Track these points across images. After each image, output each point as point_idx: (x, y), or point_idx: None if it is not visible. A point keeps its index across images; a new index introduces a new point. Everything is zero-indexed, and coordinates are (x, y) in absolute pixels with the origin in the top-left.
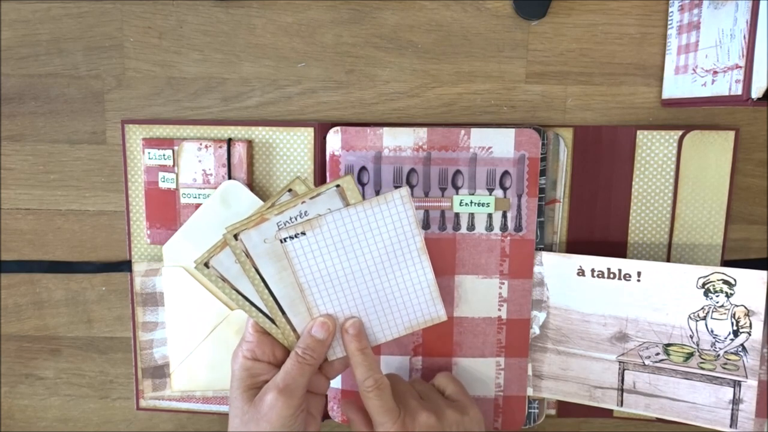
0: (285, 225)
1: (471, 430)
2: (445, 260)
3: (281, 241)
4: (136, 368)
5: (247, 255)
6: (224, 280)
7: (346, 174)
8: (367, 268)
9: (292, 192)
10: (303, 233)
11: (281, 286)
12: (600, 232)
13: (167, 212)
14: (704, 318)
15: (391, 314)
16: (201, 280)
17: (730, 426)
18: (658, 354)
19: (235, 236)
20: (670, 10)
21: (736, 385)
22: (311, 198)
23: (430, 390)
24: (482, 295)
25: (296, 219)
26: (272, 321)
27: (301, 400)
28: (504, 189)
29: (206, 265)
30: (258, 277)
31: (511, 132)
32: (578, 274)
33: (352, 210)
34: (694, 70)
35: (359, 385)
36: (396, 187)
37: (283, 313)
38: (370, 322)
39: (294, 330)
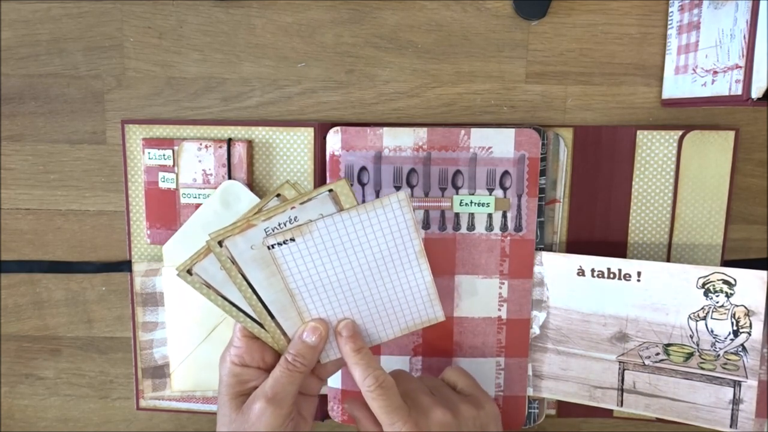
0: (273, 231)
1: (488, 424)
2: (445, 260)
3: (269, 248)
4: (136, 368)
5: (233, 261)
6: (209, 286)
7: (339, 178)
8: (362, 272)
9: (280, 197)
10: (292, 239)
11: (270, 292)
12: (600, 232)
13: (167, 212)
14: (704, 318)
15: (387, 317)
16: None
17: (730, 426)
18: (658, 354)
19: (220, 243)
20: (670, 10)
21: (736, 385)
22: (301, 203)
23: (441, 385)
24: (482, 295)
25: (285, 225)
26: (261, 326)
27: (291, 408)
28: (504, 189)
29: (189, 272)
30: (245, 283)
31: (511, 132)
32: (578, 274)
33: (346, 215)
34: (694, 70)
35: (360, 386)
36: (396, 188)
37: (273, 318)
38: (364, 324)
39: (284, 334)
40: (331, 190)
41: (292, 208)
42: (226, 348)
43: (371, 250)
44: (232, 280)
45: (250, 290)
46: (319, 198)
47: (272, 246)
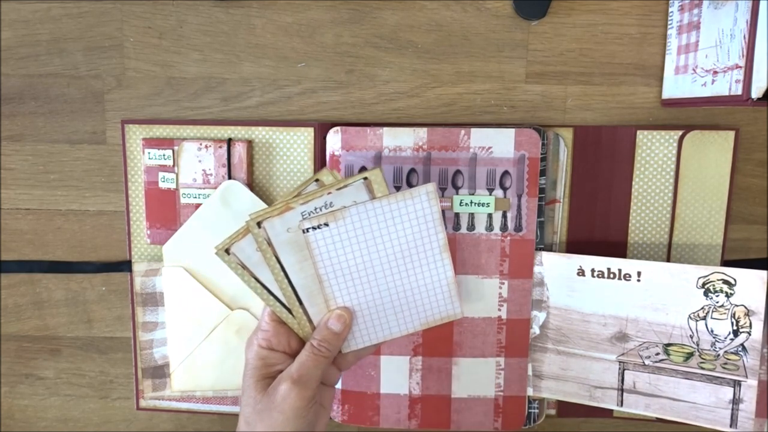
0: (309, 215)
1: None
2: None
3: (304, 231)
4: (136, 368)
5: (269, 243)
6: (244, 267)
7: (374, 167)
8: (387, 262)
9: (318, 182)
10: (326, 224)
11: (301, 277)
12: (600, 232)
13: (167, 212)
14: (704, 318)
15: (408, 309)
16: (201, 279)
17: (730, 426)
18: (658, 354)
19: (258, 224)
20: (670, 10)
21: (736, 384)
22: (338, 189)
23: None
24: (482, 295)
25: (321, 209)
26: (289, 311)
27: (315, 391)
28: (504, 189)
29: (227, 251)
30: (278, 266)
31: (511, 132)
32: (578, 274)
33: (377, 203)
34: (694, 70)
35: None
36: (397, 188)
37: (301, 303)
38: (386, 316)
39: (310, 321)
40: (366, 178)
41: (329, 193)
42: (253, 333)
43: (398, 240)
44: (266, 261)
45: (282, 273)
46: (355, 185)
47: (307, 230)
